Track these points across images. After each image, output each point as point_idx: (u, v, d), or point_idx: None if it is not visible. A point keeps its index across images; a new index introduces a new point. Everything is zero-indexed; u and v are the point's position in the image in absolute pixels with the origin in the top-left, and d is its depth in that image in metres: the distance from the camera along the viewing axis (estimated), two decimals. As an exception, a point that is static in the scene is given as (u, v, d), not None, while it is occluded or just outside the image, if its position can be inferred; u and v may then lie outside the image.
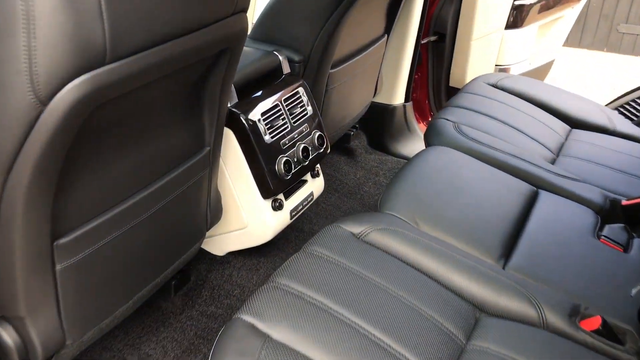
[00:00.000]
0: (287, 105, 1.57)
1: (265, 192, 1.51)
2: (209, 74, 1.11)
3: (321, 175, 1.76)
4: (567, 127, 1.89)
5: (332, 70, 1.76)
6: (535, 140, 1.72)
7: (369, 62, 2.00)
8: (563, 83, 3.59)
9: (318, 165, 1.73)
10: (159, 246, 1.18)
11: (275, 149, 1.51)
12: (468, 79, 2.44)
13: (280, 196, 1.57)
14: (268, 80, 1.60)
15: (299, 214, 1.66)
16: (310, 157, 1.60)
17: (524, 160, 1.55)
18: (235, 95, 1.47)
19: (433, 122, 1.72)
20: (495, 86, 2.01)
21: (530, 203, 1.39)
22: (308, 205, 1.70)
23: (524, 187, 1.45)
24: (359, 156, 2.38)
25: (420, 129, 2.53)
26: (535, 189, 1.46)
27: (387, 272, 1.04)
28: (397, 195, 1.33)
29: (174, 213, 1.19)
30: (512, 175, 1.49)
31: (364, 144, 2.46)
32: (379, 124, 2.44)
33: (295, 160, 1.56)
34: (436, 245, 1.15)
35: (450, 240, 1.21)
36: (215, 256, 1.70)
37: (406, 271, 1.07)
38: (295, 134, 1.57)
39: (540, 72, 2.82)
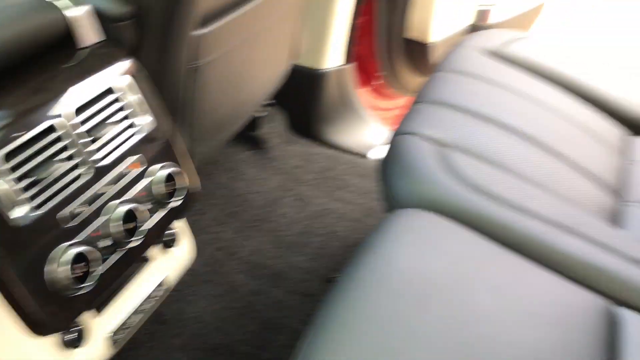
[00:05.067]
0: (82, 122, 0.71)
1: (36, 327, 0.68)
2: None
3: (186, 238, 0.92)
4: (627, 134, 1.11)
5: (204, 31, 0.89)
6: (581, 168, 0.94)
7: (279, 7, 1.13)
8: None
9: (180, 222, 0.90)
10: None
11: (44, 234, 0.65)
12: (433, 28, 1.62)
13: (83, 316, 0.74)
14: (47, 60, 0.73)
15: (136, 330, 0.83)
16: (146, 228, 0.76)
17: (584, 237, 0.77)
18: None
19: (397, 141, 0.90)
20: (496, 55, 1.19)
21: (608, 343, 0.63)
22: (157, 304, 0.87)
23: (592, 308, 0.67)
24: (274, 150, 1.54)
25: (365, 104, 1.70)
26: (611, 307, 0.69)
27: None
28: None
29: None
30: (566, 277, 0.71)
31: (281, 129, 1.61)
32: (304, 97, 1.59)
33: (107, 245, 0.72)
34: None
35: None
36: None
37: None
38: (102, 186, 0.72)
39: (524, 20, 2.03)
